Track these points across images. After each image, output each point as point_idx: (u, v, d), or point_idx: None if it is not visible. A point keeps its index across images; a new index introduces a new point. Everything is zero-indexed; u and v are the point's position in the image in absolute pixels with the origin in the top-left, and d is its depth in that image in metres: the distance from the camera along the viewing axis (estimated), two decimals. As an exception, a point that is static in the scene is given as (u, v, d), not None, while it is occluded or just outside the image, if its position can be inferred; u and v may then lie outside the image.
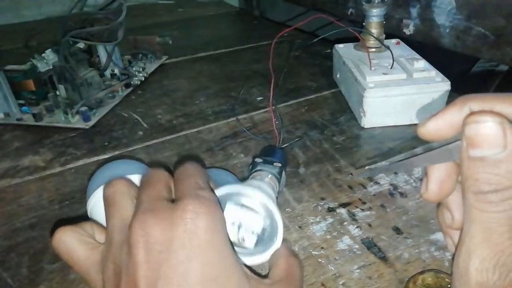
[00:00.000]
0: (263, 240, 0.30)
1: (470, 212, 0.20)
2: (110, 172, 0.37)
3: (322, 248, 0.37)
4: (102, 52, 0.70)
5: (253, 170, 0.38)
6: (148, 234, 0.23)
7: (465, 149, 0.20)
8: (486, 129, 0.19)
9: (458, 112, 0.21)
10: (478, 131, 0.19)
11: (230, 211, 0.28)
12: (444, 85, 0.53)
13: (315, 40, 0.67)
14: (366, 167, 0.27)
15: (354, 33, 0.60)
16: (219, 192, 0.29)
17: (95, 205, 0.36)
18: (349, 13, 0.84)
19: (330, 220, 0.40)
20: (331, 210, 0.42)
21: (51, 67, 0.63)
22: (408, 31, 0.73)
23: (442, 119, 0.22)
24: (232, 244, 0.28)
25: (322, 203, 0.42)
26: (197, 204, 0.24)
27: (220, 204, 0.27)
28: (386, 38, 0.63)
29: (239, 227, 0.29)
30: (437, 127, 0.22)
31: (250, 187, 0.30)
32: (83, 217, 0.37)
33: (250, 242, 0.29)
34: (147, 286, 0.23)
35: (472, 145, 0.20)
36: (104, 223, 0.36)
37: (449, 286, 0.33)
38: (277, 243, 0.29)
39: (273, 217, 0.29)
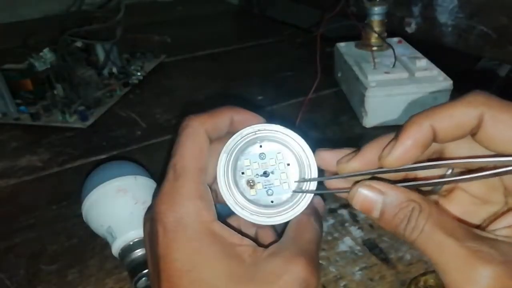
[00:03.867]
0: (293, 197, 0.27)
1: None
2: (104, 174, 0.37)
3: (323, 249, 0.37)
4: (100, 51, 0.69)
5: None
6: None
7: None
8: None
9: (420, 132, 0.21)
10: None
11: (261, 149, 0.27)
12: (446, 84, 0.52)
13: (315, 33, 0.66)
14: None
15: (359, 26, 0.59)
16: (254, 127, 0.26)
17: (90, 207, 0.36)
18: (350, 11, 0.83)
19: (331, 221, 0.40)
20: (332, 211, 0.41)
21: (49, 66, 0.63)
22: (410, 29, 0.72)
23: (406, 144, 0.21)
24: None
25: (323, 204, 0.42)
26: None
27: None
28: (387, 37, 0.62)
29: (267, 173, 0.27)
30: (404, 153, 0.21)
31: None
32: (81, 218, 0.37)
33: (280, 195, 0.26)
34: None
35: None
36: (98, 227, 0.36)
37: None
38: (297, 206, 0.26)
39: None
